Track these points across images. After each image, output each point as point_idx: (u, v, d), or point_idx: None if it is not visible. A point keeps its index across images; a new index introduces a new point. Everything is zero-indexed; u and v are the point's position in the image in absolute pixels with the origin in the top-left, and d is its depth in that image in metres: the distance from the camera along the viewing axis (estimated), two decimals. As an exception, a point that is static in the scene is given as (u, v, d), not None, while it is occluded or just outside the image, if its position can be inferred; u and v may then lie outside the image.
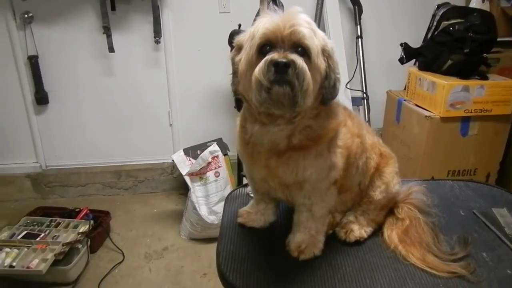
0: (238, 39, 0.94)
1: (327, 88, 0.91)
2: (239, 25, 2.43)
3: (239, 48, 0.93)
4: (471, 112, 2.19)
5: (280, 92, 0.83)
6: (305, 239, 1.05)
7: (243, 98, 0.96)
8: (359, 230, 1.11)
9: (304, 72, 0.82)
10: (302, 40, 0.84)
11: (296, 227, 1.07)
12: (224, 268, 1.03)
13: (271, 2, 1.94)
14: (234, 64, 0.94)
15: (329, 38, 2.79)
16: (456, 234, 1.10)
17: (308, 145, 0.94)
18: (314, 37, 0.86)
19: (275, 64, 0.81)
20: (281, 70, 0.81)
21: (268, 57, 0.82)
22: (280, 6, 2.21)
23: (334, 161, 0.97)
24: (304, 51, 0.85)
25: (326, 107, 0.95)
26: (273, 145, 0.94)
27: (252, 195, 1.25)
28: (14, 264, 1.98)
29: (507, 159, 2.40)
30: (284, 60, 0.81)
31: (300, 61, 0.82)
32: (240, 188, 1.42)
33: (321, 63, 0.87)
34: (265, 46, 0.85)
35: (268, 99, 0.84)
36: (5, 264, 1.97)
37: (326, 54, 0.90)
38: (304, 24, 0.85)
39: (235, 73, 0.95)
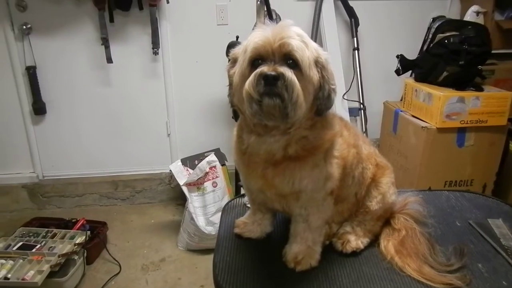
0: (233, 52, 0.95)
1: (321, 99, 0.92)
2: (237, 37, 2.45)
3: (234, 61, 0.94)
4: (467, 123, 2.21)
5: (270, 104, 0.84)
6: (302, 250, 1.05)
7: (238, 110, 0.97)
8: (355, 241, 1.12)
9: (293, 84, 0.83)
10: (292, 52, 0.85)
11: (293, 237, 1.07)
12: (220, 280, 1.03)
13: (266, 16, 1.96)
14: (229, 76, 0.96)
15: (326, 50, 2.80)
16: (452, 245, 1.10)
17: (304, 155, 0.94)
18: (305, 49, 0.87)
19: (264, 77, 0.82)
20: (270, 82, 0.82)
21: (258, 70, 0.84)
22: (278, 19, 2.24)
23: (330, 172, 0.97)
24: (295, 63, 0.86)
25: (321, 118, 0.96)
26: (269, 156, 0.95)
27: (249, 205, 1.25)
28: (9, 276, 1.96)
29: (503, 170, 2.41)
30: (272, 73, 0.82)
31: (289, 73, 0.83)
32: (237, 198, 1.43)
33: (313, 74, 0.88)
34: (257, 59, 0.87)
35: (259, 111, 0.85)
36: (0, 276, 1.95)
37: (320, 65, 0.91)
38: (294, 36, 0.86)
39: (231, 85, 0.96)
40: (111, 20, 2.56)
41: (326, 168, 0.96)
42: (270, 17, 2.04)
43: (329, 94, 0.93)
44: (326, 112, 0.96)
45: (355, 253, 1.10)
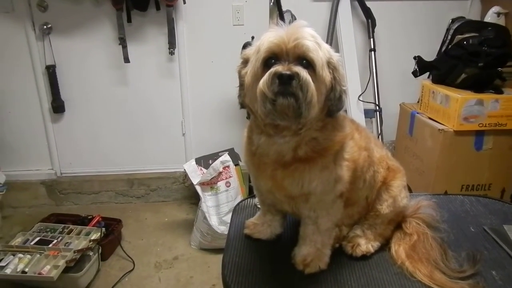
0: (245, 52, 0.96)
1: (333, 100, 0.92)
2: (252, 37, 2.46)
3: (246, 62, 0.95)
4: (485, 126, 2.16)
5: (284, 104, 0.84)
6: (311, 252, 1.04)
7: (249, 110, 0.97)
8: (366, 244, 1.11)
9: (308, 83, 0.83)
10: (306, 52, 0.85)
11: (302, 240, 1.07)
12: (229, 281, 1.03)
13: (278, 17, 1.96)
14: (240, 77, 0.96)
15: (342, 51, 2.75)
16: (465, 251, 1.08)
17: (314, 157, 0.94)
18: (318, 50, 0.87)
19: (279, 76, 0.82)
20: (285, 82, 0.82)
21: (273, 69, 0.84)
22: (293, 20, 2.23)
23: (340, 174, 0.97)
24: (308, 63, 0.86)
25: (332, 119, 0.95)
26: (279, 157, 0.95)
27: (259, 206, 1.25)
28: (26, 270, 2.00)
29: (523, 175, 2.35)
30: (288, 72, 0.82)
31: (304, 73, 0.83)
32: (248, 199, 1.43)
33: (326, 75, 0.88)
34: (270, 59, 0.87)
35: (273, 110, 0.85)
36: (18, 270, 2.00)
37: (332, 66, 0.91)
38: (308, 37, 0.86)
39: (241, 85, 0.97)
40: (129, 20, 2.60)
41: (335, 170, 0.96)
42: (282, 19, 2.04)
43: (340, 95, 0.93)
44: (337, 113, 0.95)
45: (365, 257, 1.09)
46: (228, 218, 2.41)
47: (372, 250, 1.11)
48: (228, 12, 2.69)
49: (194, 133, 2.96)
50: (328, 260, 1.06)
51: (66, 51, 2.68)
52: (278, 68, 0.84)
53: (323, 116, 0.94)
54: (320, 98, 0.88)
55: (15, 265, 2.03)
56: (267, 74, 0.84)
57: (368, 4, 2.65)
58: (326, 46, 0.92)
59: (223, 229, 2.38)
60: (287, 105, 0.84)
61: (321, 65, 0.87)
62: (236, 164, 2.55)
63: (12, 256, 2.09)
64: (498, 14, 2.48)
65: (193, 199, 2.95)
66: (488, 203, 1.38)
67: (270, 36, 0.88)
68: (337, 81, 0.92)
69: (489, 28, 2.26)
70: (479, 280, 0.99)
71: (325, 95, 0.91)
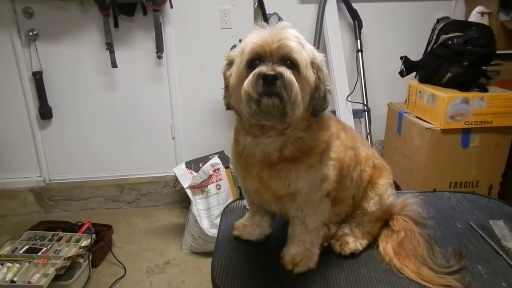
0: (229, 54, 0.96)
1: (318, 100, 0.93)
2: (240, 40, 2.45)
3: (231, 63, 0.95)
4: (471, 124, 2.19)
5: (269, 104, 0.84)
6: (300, 251, 1.05)
7: (235, 111, 0.98)
8: (354, 242, 1.12)
9: (292, 83, 0.84)
10: (290, 53, 0.86)
11: (291, 239, 1.07)
12: (218, 282, 1.04)
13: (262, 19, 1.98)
14: (225, 78, 0.97)
15: (330, 53, 2.75)
16: (452, 247, 1.10)
17: (300, 157, 0.95)
18: (302, 50, 0.88)
19: (263, 76, 0.83)
20: (269, 82, 0.83)
21: (257, 70, 0.84)
22: (279, 22, 2.24)
23: (326, 173, 0.97)
24: (292, 64, 0.87)
25: (317, 119, 0.96)
26: (265, 157, 0.95)
27: (248, 207, 1.26)
28: (15, 279, 1.98)
29: (510, 171, 2.38)
30: (272, 72, 0.83)
31: (287, 73, 0.84)
32: (237, 201, 1.43)
33: (310, 75, 0.89)
34: (255, 60, 0.87)
35: (257, 110, 0.86)
36: (7, 279, 1.98)
37: (316, 66, 0.92)
38: (292, 38, 0.87)
39: (227, 87, 0.98)
40: (116, 25, 2.59)
41: (321, 170, 0.96)
42: (266, 21, 2.05)
43: (324, 94, 0.94)
44: (322, 113, 0.96)
45: (353, 255, 1.10)
46: (219, 221, 2.40)
47: (360, 248, 1.12)
48: (215, 16, 2.70)
49: (184, 136, 2.95)
50: (317, 259, 1.06)
51: (52, 57, 2.66)
52: (262, 68, 0.84)
53: (308, 116, 0.94)
54: (304, 97, 0.89)
55: (3, 274, 2.00)
56: (251, 74, 0.85)
57: (354, 5, 2.67)
58: (310, 47, 0.93)
59: (214, 232, 2.37)
60: (271, 105, 0.85)
61: (305, 65, 0.88)
62: (227, 167, 2.55)
63: (0, 266, 2.06)
64: (482, 13, 2.52)
65: (184, 203, 2.94)
66: (474, 199, 1.40)
67: (254, 37, 0.89)
68: (321, 81, 0.93)
69: (473, 28, 2.29)
70: (465, 275, 1.00)
71: (310, 95, 0.92)
